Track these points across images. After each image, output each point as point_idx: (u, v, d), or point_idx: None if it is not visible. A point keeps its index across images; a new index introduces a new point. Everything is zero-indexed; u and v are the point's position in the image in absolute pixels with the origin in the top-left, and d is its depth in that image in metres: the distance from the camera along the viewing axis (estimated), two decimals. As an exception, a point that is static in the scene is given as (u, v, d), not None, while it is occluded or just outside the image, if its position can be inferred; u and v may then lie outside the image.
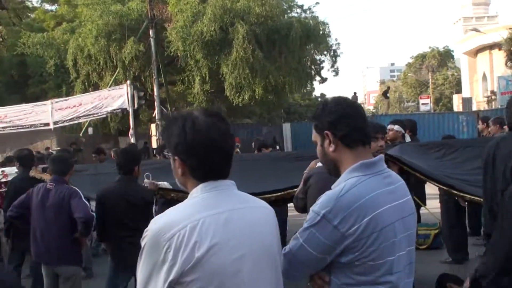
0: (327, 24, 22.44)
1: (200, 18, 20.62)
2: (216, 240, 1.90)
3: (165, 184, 5.67)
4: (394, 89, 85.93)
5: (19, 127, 22.59)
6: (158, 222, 1.95)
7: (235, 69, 20.30)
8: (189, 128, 2.01)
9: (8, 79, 28.22)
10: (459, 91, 58.58)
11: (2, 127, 22.56)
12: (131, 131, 21.54)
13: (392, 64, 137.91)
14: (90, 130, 25.16)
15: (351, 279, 2.17)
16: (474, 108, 43.30)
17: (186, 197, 2.05)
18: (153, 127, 23.42)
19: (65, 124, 22.61)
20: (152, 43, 22.03)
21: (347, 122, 2.28)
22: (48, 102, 22.54)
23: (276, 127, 32.46)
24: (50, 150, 18.24)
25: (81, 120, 22.48)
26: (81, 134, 24.24)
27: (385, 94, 40.93)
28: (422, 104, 56.39)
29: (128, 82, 21.10)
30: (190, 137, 2.01)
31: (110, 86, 23.15)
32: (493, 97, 45.12)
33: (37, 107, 22.64)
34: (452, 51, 67.86)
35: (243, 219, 2.01)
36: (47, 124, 22.25)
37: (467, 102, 46.07)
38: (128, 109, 21.21)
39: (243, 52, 19.94)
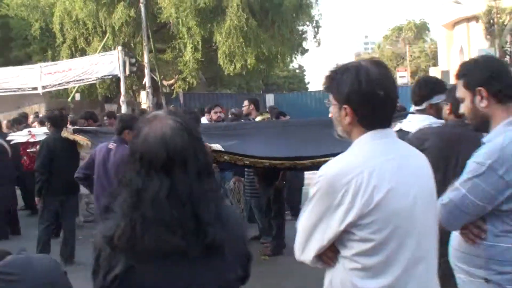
0: (315, -7, 22.47)
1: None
2: (393, 184, 2.04)
3: (218, 146, 5.81)
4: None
5: (5, 90, 22.24)
6: (333, 168, 2.08)
7: (228, 38, 20.28)
8: (364, 77, 2.09)
9: (-11, 41, 27.62)
10: (435, 64, 59.29)
11: (-13, 89, 22.18)
12: (122, 98, 21.41)
13: (366, 37, 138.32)
14: (78, 96, 24.96)
15: (510, 226, 2.37)
16: (452, 81, 43.96)
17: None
18: (143, 94, 23.34)
19: (54, 88, 22.34)
20: (142, 9, 21.73)
21: (500, 79, 2.45)
22: (37, 65, 22.22)
23: (259, 97, 32.72)
24: (40, 115, 18.09)
25: (70, 85, 22.23)
26: (69, 100, 24.03)
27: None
28: (400, 77, 56.85)
29: (120, 48, 20.88)
30: (365, 86, 2.08)
31: (99, 52, 22.91)
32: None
33: (25, 71, 22.31)
34: (428, 23, 68.39)
35: (411, 164, 2.16)
36: (35, 88, 21.95)
37: (445, 75, 46.74)
38: (119, 75, 21.08)
39: (237, 20, 19.93)
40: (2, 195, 8.86)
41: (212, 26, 20.91)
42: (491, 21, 40.72)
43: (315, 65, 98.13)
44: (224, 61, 21.01)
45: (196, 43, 21.42)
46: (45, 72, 21.97)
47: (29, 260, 4.14)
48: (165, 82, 25.25)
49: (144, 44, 22.32)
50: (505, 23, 40.49)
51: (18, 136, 8.32)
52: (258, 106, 8.87)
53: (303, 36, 24.77)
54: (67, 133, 7.49)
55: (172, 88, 26.03)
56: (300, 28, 26.45)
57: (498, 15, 40.37)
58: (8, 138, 8.52)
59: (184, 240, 1.73)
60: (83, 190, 9.43)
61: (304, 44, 24.16)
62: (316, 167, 6.33)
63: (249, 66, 21.69)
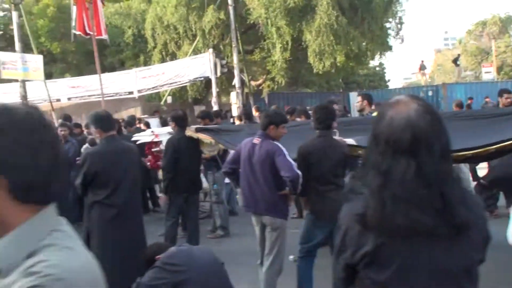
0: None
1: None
2: None
3: (351, 141, 5.83)
4: (451, 58, 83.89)
5: (104, 95, 23.18)
6: None
7: (318, 36, 20.28)
8: None
9: (86, 49, 28.80)
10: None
11: (88, 96, 23.21)
12: (213, 99, 21.85)
13: (446, 32, 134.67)
14: (169, 99, 25.66)
15: None
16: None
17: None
18: (233, 95, 23.69)
19: (148, 92, 23.15)
20: (231, 11, 22.14)
21: None
22: (132, 70, 23.08)
23: (341, 96, 32.68)
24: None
25: (164, 88, 22.96)
26: (162, 103, 24.75)
27: (455, 61, 40.06)
28: (485, 72, 54.88)
29: (211, 50, 21.35)
30: None
31: (189, 55, 23.48)
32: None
33: (121, 76, 23.22)
34: (515, 17, 65.69)
35: None
36: (131, 92, 22.83)
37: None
38: (210, 77, 21.54)
39: (327, 18, 19.90)
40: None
41: (301, 25, 20.94)
42: None
43: (395, 62, 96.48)
44: (314, 60, 21.00)
45: (285, 42, 21.51)
46: (140, 77, 22.81)
47: (191, 252, 4.33)
48: (253, 83, 25.55)
49: (233, 45, 22.69)
50: None
51: (143, 137, 8.63)
52: (371, 101, 8.81)
53: (387, 33, 24.42)
54: (191, 132, 7.71)
55: (260, 88, 26.30)
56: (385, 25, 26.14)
57: None
58: (133, 139, 8.87)
59: (433, 219, 1.76)
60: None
61: (388, 41, 23.76)
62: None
63: (338, 64, 21.58)
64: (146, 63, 26.27)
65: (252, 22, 22.40)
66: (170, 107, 25.42)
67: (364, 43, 21.38)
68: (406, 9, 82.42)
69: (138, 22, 25.48)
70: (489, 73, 54.21)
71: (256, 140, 5.29)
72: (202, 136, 7.70)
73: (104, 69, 27.34)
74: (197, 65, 21.78)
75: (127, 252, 4.90)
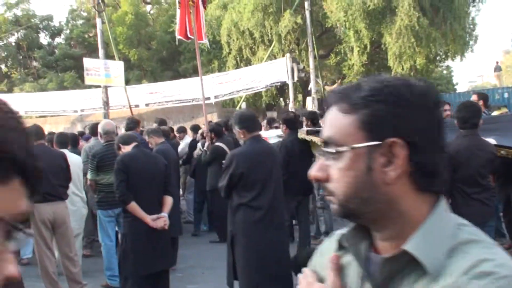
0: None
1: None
2: None
3: (492, 140, 5.60)
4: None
5: (181, 101, 23.53)
6: None
7: (399, 38, 19.89)
8: None
9: (160, 56, 29.44)
10: None
11: (166, 101, 23.59)
12: (291, 104, 21.79)
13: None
14: (243, 105, 25.78)
15: None
16: None
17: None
18: (309, 100, 23.57)
19: (225, 98, 23.33)
20: (308, 15, 22.06)
21: None
22: (209, 76, 23.28)
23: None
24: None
25: (240, 93, 23.06)
26: (237, 108, 24.87)
27: (496, 68, 38.40)
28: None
29: (288, 55, 21.31)
30: None
31: (265, 61, 23.54)
32: None
33: (198, 82, 23.37)
34: None
35: None
36: (208, 98, 22.95)
37: None
38: (287, 82, 21.48)
39: (408, 19, 19.48)
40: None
41: (380, 28, 20.60)
42: None
43: (459, 65, 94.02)
44: (394, 63, 20.61)
45: (363, 46, 21.23)
46: (217, 82, 22.99)
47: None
48: (327, 87, 25.35)
49: (309, 50, 22.59)
50: None
51: None
52: (487, 102, 8.53)
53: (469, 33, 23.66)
54: (303, 134, 7.64)
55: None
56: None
57: None
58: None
59: None
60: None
61: (469, 42, 23.01)
62: None
63: (418, 67, 21.12)
64: (221, 69, 26.50)
65: (329, 25, 22.21)
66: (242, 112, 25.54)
67: (445, 45, 20.79)
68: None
69: (213, 28, 25.70)
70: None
71: None
72: (316, 139, 7.62)
73: (179, 76, 27.88)
74: (274, 70, 21.77)
75: (272, 257, 4.84)
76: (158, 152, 7.88)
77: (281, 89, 26.65)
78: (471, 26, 24.96)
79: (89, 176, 7.20)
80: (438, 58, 22.44)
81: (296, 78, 21.44)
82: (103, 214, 7.20)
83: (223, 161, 9.75)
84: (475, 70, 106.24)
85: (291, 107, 21.89)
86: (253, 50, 25.48)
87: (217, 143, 9.86)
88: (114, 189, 5.32)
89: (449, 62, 22.88)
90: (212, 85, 22.92)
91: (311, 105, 23.47)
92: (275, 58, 23.88)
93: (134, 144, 5.62)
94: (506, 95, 31.16)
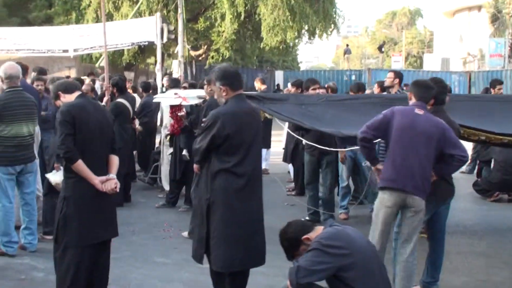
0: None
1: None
2: None
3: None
4: (357, 45, 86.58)
5: (34, 51, 21.39)
6: None
7: (274, 10, 19.82)
8: None
9: (6, 1, 26.49)
10: (430, 51, 59.66)
11: (16, 50, 21.31)
12: (158, 66, 20.85)
13: (349, 20, 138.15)
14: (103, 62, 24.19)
15: None
16: (452, 68, 44.36)
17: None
18: (175, 63, 22.74)
19: (85, 52, 21.67)
20: (180, -25, 21.16)
21: None
22: (70, 27, 21.45)
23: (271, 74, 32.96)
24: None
25: (103, 49, 21.48)
26: (97, 65, 23.29)
27: (380, 48, 41.27)
28: (394, 61, 56.97)
29: (158, 14, 20.30)
30: None
31: (130, 18, 22.25)
32: (469, 58, 46.26)
33: (56, 31, 21.47)
34: (422, 10, 68.81)
35: None
36: (66, 51, 21.20)
37: (445, 62, 47.13)
38: (155, 42, 20.48)
39: (284, -7, 19.49)
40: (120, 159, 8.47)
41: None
42: (497, 10, 41.00)
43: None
44: (267, 35, 20.53)
45: (235, 13, 20.83)
46: (77, 35, 21.20)
47: (349, 233, 3.87)
48: (192, 53, 24.68)
49: (179, 12, 21.73)
50: (506, 13, 40.83)
51: (168, 99, 7.84)
52: (402, 80, 8.63)
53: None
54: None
55: (200, 58, 25.51)
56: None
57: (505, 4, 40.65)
58: (156, 100, 8.04)
59: None
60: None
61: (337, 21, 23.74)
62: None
63: (288, 41, 21.30)
64: (79, 21, 24.57)
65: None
66: (103, 70, 24.06)
67: (316, 22, 21.14)
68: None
69: (72, -25, 23.73)
70: (398, 62, 56.33)
71: (419, 111, 4.69)
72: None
73: (28, 24, 25.34)
74: (142, 29, 20.62)
75: (251, 227, 4.34)
76: (64, 108, 6.88)
77: (143, 49, 25.46)
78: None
79: (-16, 125, 6.06)
80: (309, 34, 22.76)
81: (165, 39, 20.55)
82: (2, 171, 6.12)
83: (126, 120, 9.04)
84: (311, 52, 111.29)
85: (158, 69, 21.00)
86: (116, 4, 23.97)
87: (119, 99, 8.96)
88: (58, 144, 4.43)
89: (316, 40, 23.30)
90: (72, 37, 21.18)
91: (177, 68, 22.73)
92: (141, 16, 22.69)
93: (77, 92, 4.72)
94: (353, 77, 32.93)
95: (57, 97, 4.73)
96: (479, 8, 46.49)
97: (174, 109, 7.60)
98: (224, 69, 4.47)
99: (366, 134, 4.76)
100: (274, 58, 60.53)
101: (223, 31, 21.92)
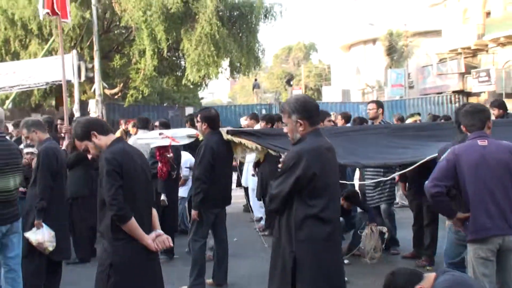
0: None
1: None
2: None
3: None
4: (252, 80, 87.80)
5: None
6: None
7: (198, 45, 19.35)
8: None
9: None
10: (327, 83, 61.62)
11: None
12: (76, 106, 19.62)
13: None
14: (10, 104, 22.51)
15: None
16: (353, 99, 45.90)
17: None
18: (91, 102, 21.55)
19: (-8, 93, 19.99)
20: (94, 11, 20.24)
21: None
22: (-29, 66, 19.71)
23: (180, 110, 32.39)
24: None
25: (15, 89, 19.99)
26: (5, 107, 21.57)
27: (288, 81, 41.82)
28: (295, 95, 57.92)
29: (74, 51, 19.20)
30: None
31: (41, 56, 20.93)
32: (367, 89, 48.17)
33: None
34: (317, 44, 71.22)
35: None
36: (-34, 92, 19.49)
37: (346, 93, 48.72)
38: (72, 81, 19.31)
39: (209, 27, 19.09)
40: (89, 209, 7.69)
41: (179, 32, 19.81)
42: (392, 43, 43.14)
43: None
44: (192, 70, 19.98)
45: (157, 49, 20.16)
46: (-20, 75, 19.57)
47: (467, 281, 3.44)
48: (107, 91, 23.56)
49: (95, 48, 20.74)
50: (403, 46, 43.06)
51: (155, 140, 7.05)
52: (383, 109, 8.43)
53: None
54: (229, 136, 6.59)
55: (116, 97, 24.42)
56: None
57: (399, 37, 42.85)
58: (141, 142, 7.19)
59: None
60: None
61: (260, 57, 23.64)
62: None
63: (211, 76, 20.90)
64: (-24, 62, 22.76)
65: (120, 24, 20.63)
66: (10, 112, 22.40)
67: (241, 56, 20.90)
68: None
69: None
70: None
71: (482, 142, 4.29)
72: (245, 141, 6.59)
73: None
74: (57, 67, 19.39)
75: (339, 283, 3.78)
76: (50, 151, 6.03)
77: (51, 89, 24.02)
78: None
79: (-33, 179, 5.08)
80: (233, 70, 22.44)
81: (83, 78, 19.45)
82: (-13, 232, 5.17)
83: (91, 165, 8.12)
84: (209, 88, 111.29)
85: (76, 109, 19.77)
86: (23, 43, 22.47)
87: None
88: (108, 200, 3.66)
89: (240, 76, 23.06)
90: (-26, 77, 19.49)
91: (94, 108, 21.57)
92: (52, 54, 21.44)
93: (112, 134, 4.00)
94: (263, 111, 33.05)
95: (87, 137, 3.95)
96: (374, 41, 48.70)
97: (162, 151, 6.91)
98: (304, 100, 3.93)
99: (439, 188, 4.18)
100: (175, 95, 59.89)
101: (143, 68, 21.10)
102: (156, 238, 3.85)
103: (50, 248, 5.88)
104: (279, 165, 3.85)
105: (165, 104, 42.91)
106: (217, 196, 6.54)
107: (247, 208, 10.93)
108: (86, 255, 7.93)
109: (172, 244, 3.98)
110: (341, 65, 56.36)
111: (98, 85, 20.84)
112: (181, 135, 7.06)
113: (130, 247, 3.71)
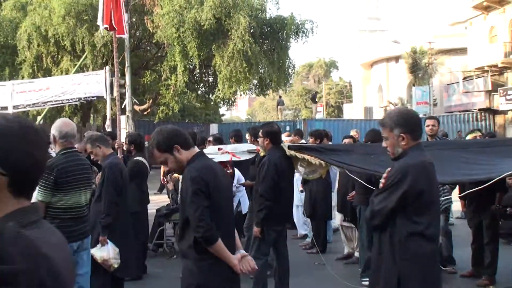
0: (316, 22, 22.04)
1: (192, 4, 19.44)
2: None
3: None
4: (272, 98, 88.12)
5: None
6: None
7: (231, 62, 19.38)
8: None
9: None
10: (349, 101, 61.48)
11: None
12: (107, 122, 19.71)
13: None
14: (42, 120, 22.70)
15: None
16: (375, 116, 45.70)
17: None
18: (123, 118, 21.62)
19: (27, 109, 20.14)
20: (126, 28, 20.35)
21: None
22: (9, 82, 19.91)
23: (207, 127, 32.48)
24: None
25: (48, 105, 20.14)
26: (37, 122, 21.74)
27: (313, 98, 41.92)
28: (318, 111, 58.14)
29: (107, 68, 19.33)
30: None
31: (73, 72, 21.10)
32: (390, 106, 47.92)
33: (-9, 84, 19.90)
34: (337, 62, 71.14)
35: None
36: (5, 108, 19.63)
37: (368, 111, 48.51)
38: (105, 97, 19.43)
39: (242, 44, 19.12)
40: (140, 225, 7.63)
41: (211, 49, 19.88)
42: (416, 60, 42.97)
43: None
44: (223, 86, 20.00)
45: (194, 65, 20.22)
46: (18, 91, 19.74)
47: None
48: (136, 107, 23.69)
49: (127, 65, 20.87)
50: (427, 63, 42.86)
51: (215, 155, 6.97)
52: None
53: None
54: (292, 151, 6.50)
55: (145, 113, 24.53)
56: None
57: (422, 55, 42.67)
58: None
59: None
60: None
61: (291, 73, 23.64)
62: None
63: (241, 92, 20.90)
64: (12, 77, 23.00)
65: (153, 41, 20.76)
66: (43, 126, 22.59)
67: (272, 73, 20.90)
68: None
69: (6, 31, 22.21)
70: (320, 112, 57.51)
71: None
72: (308, 157, 6.50)
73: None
74: (91, 83, 19.55)
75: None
76: (115, 167, 5.99)
77: (83, 105, 24.20)
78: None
79: (39, 197, 4.99)
80: (263, 85, 22.47)
81: (115, 94, 19.55)
82: (58, 250, 5.06)
83: (144, 181, 8.09)
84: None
85: (108, 125, 19.87)
86: (55, 59, 22.68)
87: (137, 158, 8.01)
88: (195, 221, 3.55)
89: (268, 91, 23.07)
90: (12, 93, 19.69)
91: (124, 124, 21.66)
92: (84, 71, 21.61)
93: (193, 148, 3.83)
94: (288, 128, 33.04)
95: (169, 150, 3.78)
96: (397, 59, 48.62)
97: (222, 166, 6.82)
98: (406, 113, 3.84)
99: None
100: (196, 112, 60.21)
101: (173, 84, 21.16)
102: (241, 259, 3.73)
103: (115, 265, 5.82)
104: (381, 180, 3.75)
105: (186, 121, 43.10)
106: (279, 213, 6.44)
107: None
108: (139, 271, 7.84)
109: (256, 267, 3.85)
110: (362, 83, 56.28)
111: (129, 101, 20.94)
112: (241, 150, 6.98)
113: (217, 268, 3.60)
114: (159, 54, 22.35)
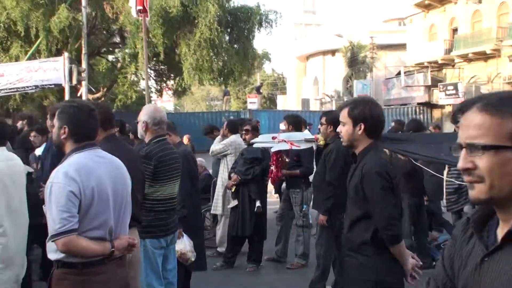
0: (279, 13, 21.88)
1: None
2: None
3: None
4: (202, 88, 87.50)
5: None
6: None
7: (197, 50, 18.96)
8: None
9: None
10: (282, 93, 62.01)
11: None
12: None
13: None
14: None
15: None
16: (312, 108, 46.35)
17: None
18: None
19: (-13, 95, 18.88)
20: (84, 13, 19.51)
21: None
22: (-40, 68, 18.52)
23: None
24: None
25: (1, 93, 18.94)
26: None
27: (258, 89, 41.87)
28: (250, 103, 58.01)
29: (66, 54, 18.43)
30: None
31: (26, 59, 20.00)
32: (325, 98, 48.77)
33: None
34: (270, 54, 71.47)
35: None
36: (-45, 96, 18.34)
37: (305, 103, 49.10)
38: (63, 84, 18.53)
39: (209, 32, 18.75)
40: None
41: (178, 36, 19.38)
42: (354, 55, 43.92)
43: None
44: (189, 74, 19.55)
45: (158, 52, 19.59)
46: (-32, 77, 18.50)
47: None
48: (90, 95, 22.74)
49: (84, 52, 19.99)
50: (365, 57, 43.92)
51: (274, 144, 6.68)
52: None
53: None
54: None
55: (98, 101, 23.59)
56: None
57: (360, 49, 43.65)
58: (257, 146, 6.75)
59: None
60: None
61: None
62: None
63: (204, 82, 20.56)
64: (-45, 63, 21.51)
65: (113, 29, 20.00)
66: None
67: (238, 62, 20.64)
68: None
69: None
70: (253, 103, 57.37)
71: None
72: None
73: None
74: (48, 70, 18.58)
75: None
76: (190, 156, 5.69)
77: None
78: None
79: (137, 188, 4.64)
80: (227, 74, 22.14)
81: (75, 81, 18.68)
82: (153, 245, 4.70)
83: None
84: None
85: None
86: (3, 45, 21.39)
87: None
88: (386, 219, 3.39)
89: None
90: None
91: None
92: (37, 57, 20.57)
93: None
94: (232, 117, 32.94)
95: None
96: (333, 52, 49.42)
97: (279, 155, 6.63)
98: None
99: None
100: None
101: (133, 72, 20.50)
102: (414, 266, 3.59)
103: (193, 259, 5.54)
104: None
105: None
106: (345, 201, 6.35)
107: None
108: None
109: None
110: (297, 75, 56.87)
111: (85, 90, 20.08)
112: (298, 139, 6.77)
113: (394, 266, 3.45)
114: (114, 41, 21.51)
